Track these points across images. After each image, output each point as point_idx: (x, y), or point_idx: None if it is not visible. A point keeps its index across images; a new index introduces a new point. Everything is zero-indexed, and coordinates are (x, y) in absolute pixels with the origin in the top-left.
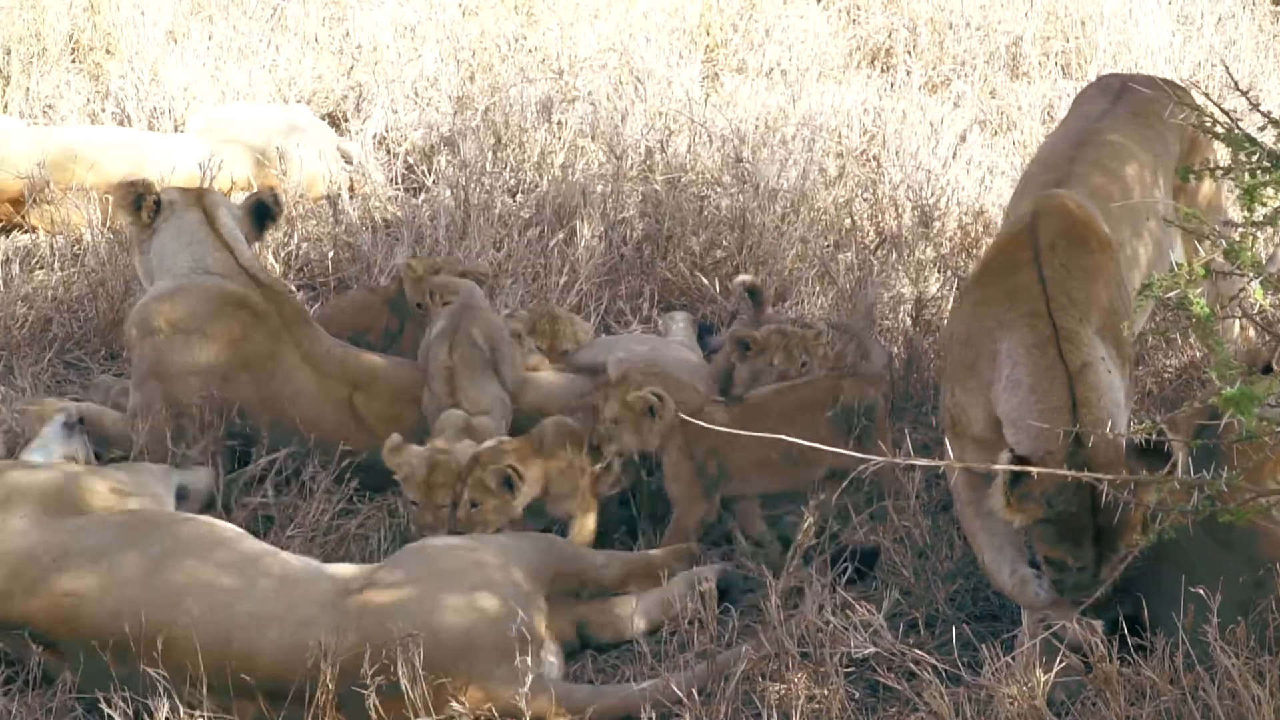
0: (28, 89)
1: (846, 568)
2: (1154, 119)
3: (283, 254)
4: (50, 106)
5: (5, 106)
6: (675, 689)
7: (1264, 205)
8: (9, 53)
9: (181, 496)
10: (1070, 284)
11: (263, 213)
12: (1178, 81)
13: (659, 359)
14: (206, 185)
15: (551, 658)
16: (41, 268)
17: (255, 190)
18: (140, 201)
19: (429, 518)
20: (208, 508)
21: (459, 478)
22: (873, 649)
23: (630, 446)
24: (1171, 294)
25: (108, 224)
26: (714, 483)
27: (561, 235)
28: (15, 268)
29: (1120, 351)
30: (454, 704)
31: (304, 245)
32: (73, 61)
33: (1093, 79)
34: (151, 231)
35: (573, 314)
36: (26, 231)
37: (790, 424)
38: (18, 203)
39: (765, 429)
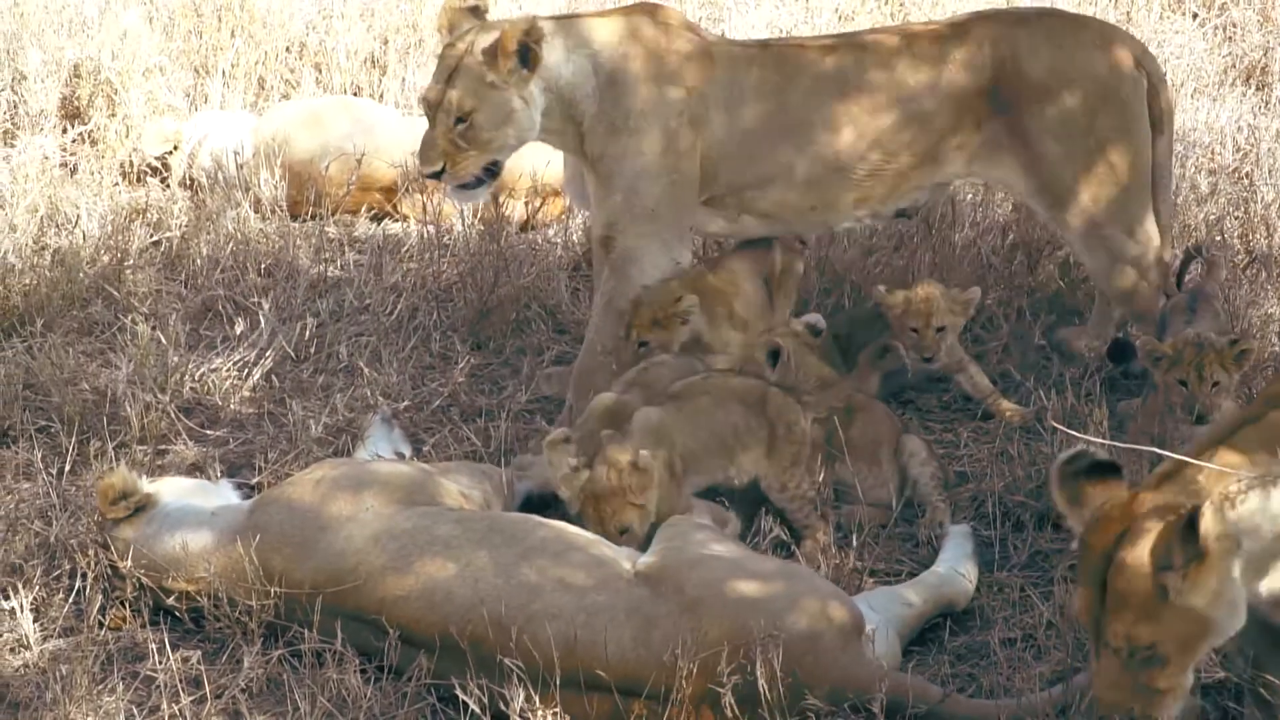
0: (404, 79)
1: None
2: None
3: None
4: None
5: (381, 96)
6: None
7: None
8: (386, 42)
9: (528, 501)
10: None
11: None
12: None
13: None
14: None
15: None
16: (411, 257)
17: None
18: (528, 46)
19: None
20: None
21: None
22: (1222, 674)
23: None
24: None
25: (478, 214)
26: None
27: (933, 242)
28: (386, 256)
29: None
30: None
31: None
32: None
33: None
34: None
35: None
36: (398, 220)
37: (720, 412)
38: (390, 191)
39: (693, 415)
